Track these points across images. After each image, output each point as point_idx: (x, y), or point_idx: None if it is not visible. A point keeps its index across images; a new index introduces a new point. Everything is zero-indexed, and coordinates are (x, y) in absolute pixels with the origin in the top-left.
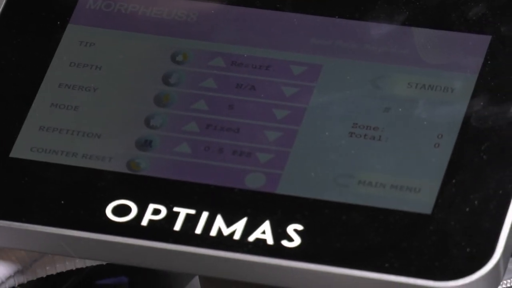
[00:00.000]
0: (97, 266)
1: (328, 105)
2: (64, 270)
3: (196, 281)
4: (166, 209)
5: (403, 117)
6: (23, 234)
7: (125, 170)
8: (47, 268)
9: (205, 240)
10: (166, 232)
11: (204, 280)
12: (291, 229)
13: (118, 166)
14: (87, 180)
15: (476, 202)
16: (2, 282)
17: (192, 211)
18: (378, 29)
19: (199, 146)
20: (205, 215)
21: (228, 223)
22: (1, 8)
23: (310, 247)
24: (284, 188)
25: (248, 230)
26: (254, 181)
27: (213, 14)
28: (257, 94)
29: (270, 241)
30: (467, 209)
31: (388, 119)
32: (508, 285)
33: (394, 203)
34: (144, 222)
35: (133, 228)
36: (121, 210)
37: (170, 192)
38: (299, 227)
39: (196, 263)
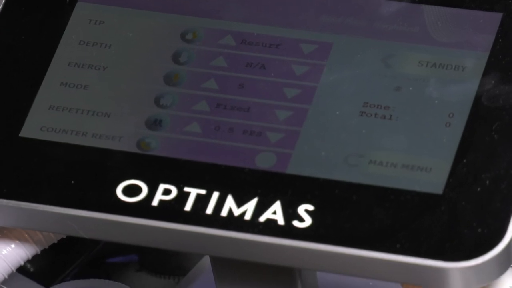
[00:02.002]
0: (108, 244)
1: (339, 83)
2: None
3: (206, 260)
4: (176, 189)
5: (414, 96)
6: (33, 214)
7: (135, 149)
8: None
9: (215, 220)
10: (177, 212)
11: (215, 260)
12: (302, 209)
13: (128, 145)
14: (97, 160)
15: (487, 182)
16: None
17: (203, 191)
18: (389, 7)
19: (209, 126)
20: (215, 195)
21: (239, 204)
22: None
23: (321, 227)
24: (295, 168)
25: (259, 210)
26: (265, 161)
27: None
28: (267, 73)
29: (281, 221)
30: (479, 189)
31: (399, 98)
32: None
33: (405, 183)
34: (155, 202)
35: (143, 208)
36: (132, 190)
37: (181, 172)
38: (310, 207)
39: (207, 243)
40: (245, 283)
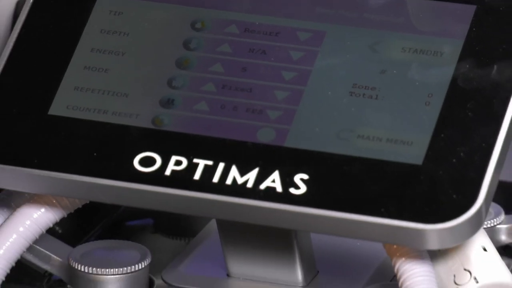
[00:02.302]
0: (127, 209)
1: (331, 67)
2: None
3: (213, 223)
4: (187, 161)
5: (397, 78)
6: (61, 182)
7: (150, 126)
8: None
9: (221, 188)
10: (187, 181)
11: (221, 222)
12: (297, 178)
13: (144, 122)
14: (117, 135)
15: (462, 154)
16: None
17: (210, 162)
18: (377, 0)
19: (216, 105)
20: (221, 165)
21: (242, 173)
22: None
23: (315, 194)
24: (292, 142)
25: (259, 179)
26: (265, 136)
27: None
28: (268, 58)
29: (279, 189)
30: (454, 160)
31: (384, 80)
32: (489, 225)
33: (389, 155)
34: (167, 172)
35: (157, 177)
36: (147, 162)
37: (190, 145)
38: (305, 176)
39: (214, 208)
40: (247, 243)
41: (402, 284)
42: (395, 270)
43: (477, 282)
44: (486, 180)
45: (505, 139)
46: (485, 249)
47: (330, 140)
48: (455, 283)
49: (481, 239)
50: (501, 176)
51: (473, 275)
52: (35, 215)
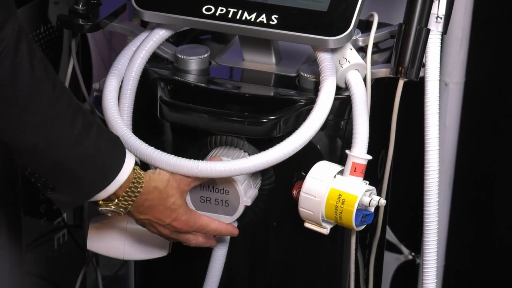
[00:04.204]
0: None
1: None
2: None
3: (236, 37)
4: (225, 9)
5: None
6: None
7: None
8: None
9: (243, 21)
10: (227, 20)
11: (242, 37)
12: (273, 17)
13: None
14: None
15: (344, 6)
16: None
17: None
18: None
19: None
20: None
21: (249, 14)
22: None
23: (281, 24)
24: (272, 1)
25: (257, 17)
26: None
27: None
28: None
29: (265, 21)
30: (341, 9)
31: None
32: (353, 38)
33: (312, 6)
34: (217, 14)
35: (214, 17)
36: (210, 10)
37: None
38: (276, 16)
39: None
40: (249, 48)
41: (320, 62)
42: (316, 56)
43: (349, 62)
44: (355, 19)
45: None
46: (351, 49)
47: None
48: (340, 64)
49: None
50: None
51: (347, 60)
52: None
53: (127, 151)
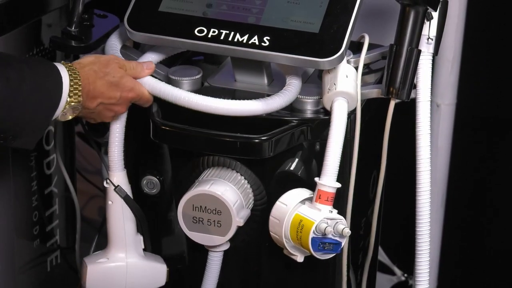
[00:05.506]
0: None
1: None
2: None
3: (228, 59)
4: (217, 31)
5: None
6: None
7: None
8: None
9: (234, 43)
10: (219, 41)
11: (232, 58)
12: (265, 39)
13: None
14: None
15: (335, 28)
16: None
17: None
18: None
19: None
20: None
21: (241, 36)
22: None
23: (272, 45)
24: (264, 21)
25: (249, 38)
26: (250, 20)
27: None
28: None
29: (257, 43)
30: (332, 31)
31: None
32: (346, 59)
33: (302, 28)
34: (209, 36)
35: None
36: (202, 32)
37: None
38: (268, 38)
39: (230, 52)
40: (241, 69)
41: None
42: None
43: (335, 89)
44: (347, 40)
45: (353, 21)
46: (347, 76)
47: (279, 22)
48: (329, 89)
49: (342, 67)
50: None
51: (335, 85)
52: None
53: (55, 64)
